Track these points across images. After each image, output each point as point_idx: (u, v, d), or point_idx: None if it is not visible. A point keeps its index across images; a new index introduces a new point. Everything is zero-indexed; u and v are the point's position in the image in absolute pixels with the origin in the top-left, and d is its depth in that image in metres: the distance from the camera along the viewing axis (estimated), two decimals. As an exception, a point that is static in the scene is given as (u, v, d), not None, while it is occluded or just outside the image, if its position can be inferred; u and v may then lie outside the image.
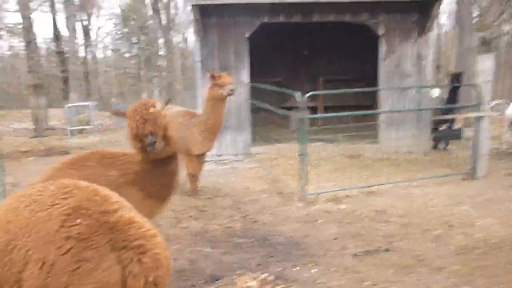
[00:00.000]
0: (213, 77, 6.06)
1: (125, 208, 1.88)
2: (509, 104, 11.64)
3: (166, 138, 3.19)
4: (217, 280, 3.77)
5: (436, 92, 12.90)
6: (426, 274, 3.87)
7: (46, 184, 2.04)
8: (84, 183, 2.05)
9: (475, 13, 21.34)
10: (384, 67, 9.61)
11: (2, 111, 22.57)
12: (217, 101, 6.03)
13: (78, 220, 1.68)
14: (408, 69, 9.61)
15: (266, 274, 3.85)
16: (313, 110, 13.40)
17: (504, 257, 4.19)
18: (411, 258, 4.20)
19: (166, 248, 1.82)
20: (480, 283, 3.67)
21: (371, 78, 12.12)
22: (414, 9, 9.50)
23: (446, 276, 3.80)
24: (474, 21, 20.07)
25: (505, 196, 6.37)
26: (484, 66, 7.13)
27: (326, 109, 13.13)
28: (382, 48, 9.57)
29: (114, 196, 1.99)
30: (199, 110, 9.31)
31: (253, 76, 11.14)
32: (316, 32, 12.49)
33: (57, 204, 1.80)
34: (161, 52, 39.17)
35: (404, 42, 9.58)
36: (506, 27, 24.11)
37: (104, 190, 1.99)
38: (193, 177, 6.51)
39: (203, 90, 9.22)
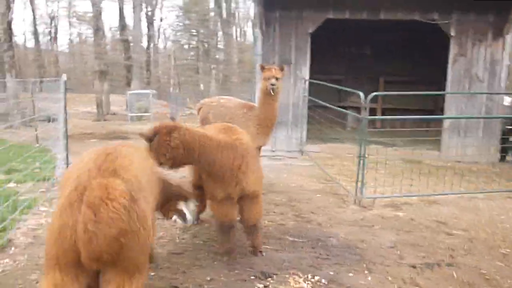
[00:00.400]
0: (262, 69, 5.94)
1: (111, 177, 2.40)
2: None
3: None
4: (268, 278, 3.70)
5: (508, 100, 12.09)
6: (493, 294, 3.58)
7: (104, 148, 2.70)
8: (119, 153, 2.64)
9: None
10: (453, 70, 9.08)
11: (69, 95, 23.84)
12: (265, 95, 5.84)
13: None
14: (479, 73, 9.02)
15: (318, 277, 3.74)
16: (371, 111, 12.99)
17: None
18: (477, 276, 3.90)
19: (120, 212, 2.26)
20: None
21: (435, 82, 11.55)
22: (491, 9, 8.87)
23: (516, 300, 3.51)
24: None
25: None
26: None
27: (384, 111, 12.69)
28: (452, 50, 9.04)
29: (122, 167, 2.54)
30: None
31: (312, 73, 10.96)
32: (380, 31, 12.07)
33: (83, 166, 2.55)
34: (220, 45, 39.83)
35: (477, 45, 9.00)
36: None
37: (120, 161, 2.58)
38: None
39: (261, 84, 9.20)
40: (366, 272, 3.92)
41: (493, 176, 7.82)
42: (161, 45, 42.76)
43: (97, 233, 2.24)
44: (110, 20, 61.60)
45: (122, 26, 26.34)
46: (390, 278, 3.81)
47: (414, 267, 4.06)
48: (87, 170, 2.49)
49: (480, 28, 8.94)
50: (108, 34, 34.50)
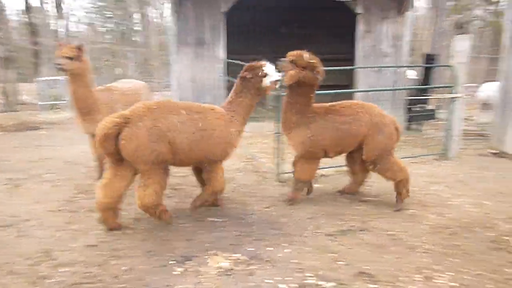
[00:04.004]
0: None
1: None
2: (480, 87, 11.83)
3: None
4: (188, 260, 3.68)
5: (412, 74, 12.98)
6: (400, 253, 3.87)
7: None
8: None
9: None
10: (361, 46, 9.52)
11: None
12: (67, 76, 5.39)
13: None
14: (385, 49, 9.55)
15: (238, 254, 3.78)
16: (291, 89, 13.29)
17: (475, 236, 4.25)
18: (386, 238, 4.20)
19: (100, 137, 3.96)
20: (452, 262, 3.70)
21: (350, 58, 12.06)
22: (393, -13, 9.38)
23: (420, 256, 3.82)
24: (448, 4, 20.25)
25: (477, 176, 6.47)
26: (460, 47, 7.12)
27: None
28: (360, 27, 9.45)
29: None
30: (174, 85, 9.09)
31: (234, 53, 10.89)
32: (295, 9, 12.29)
33: None
34: (137, 27, 38.20)
35: (382, 22, 9.49)
36: (478, 12, 24.48)
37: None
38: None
39: (177, 66, 8.98)
40: (285, 244, 4.05)
41: (401, 144, 8.37)
42: (73, 28, 39.91)
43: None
44: (14, 2, 55.77)
45: (27, 8, 24.16)
46: (307, 248, 3.97)
47: (329, 235, 4.27)
48: None
49: (384, 6, 9.43)
50: (13, 17, 31.51)
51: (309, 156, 4.93)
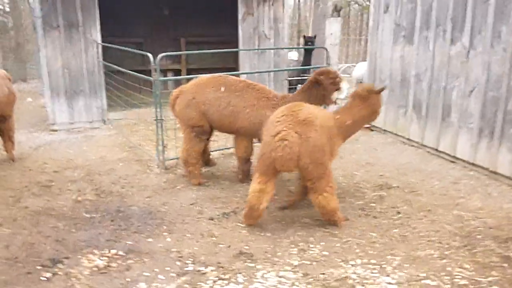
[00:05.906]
0: None
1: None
2: (355, 66, 12.84)
3: None
4: (58, 263, 3.39)
5: (294, 55, 13.53)
6: (279, 230, 4.02)
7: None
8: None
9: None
10: (243, 29, 9.60)
11: None
12: None
13: None
14: (266, 31, 9.75)
15: (115, 250, 3.60)
16: (177, 72, 12.97)
17: (347, 206, 4.57)
18: (267, 216, 4.29)
19: None
20: (324, 232, 3.95)
21: (234, 41, 12.13)
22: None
23: (296, 230, 4.01)
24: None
25: (350, 148, 6.92)
26: (332, 29, 7.56)
27: (190, 71, 12.82)
28: (241, 10, 9.50)
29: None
30: (44, 72, 8.26)
31: (112, 36, 10.23)
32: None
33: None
34: (5, 8, 34.06)
35: (262, 5, 9.64)
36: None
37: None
38: None
39: (46, 51, 8.17)
40: (165, 234, 3.96)
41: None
42: None
43: None
44: None
45: None
46: (188, 235, 3.93)
47: (211, 219, 4.27)
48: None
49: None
50: None
51: None
